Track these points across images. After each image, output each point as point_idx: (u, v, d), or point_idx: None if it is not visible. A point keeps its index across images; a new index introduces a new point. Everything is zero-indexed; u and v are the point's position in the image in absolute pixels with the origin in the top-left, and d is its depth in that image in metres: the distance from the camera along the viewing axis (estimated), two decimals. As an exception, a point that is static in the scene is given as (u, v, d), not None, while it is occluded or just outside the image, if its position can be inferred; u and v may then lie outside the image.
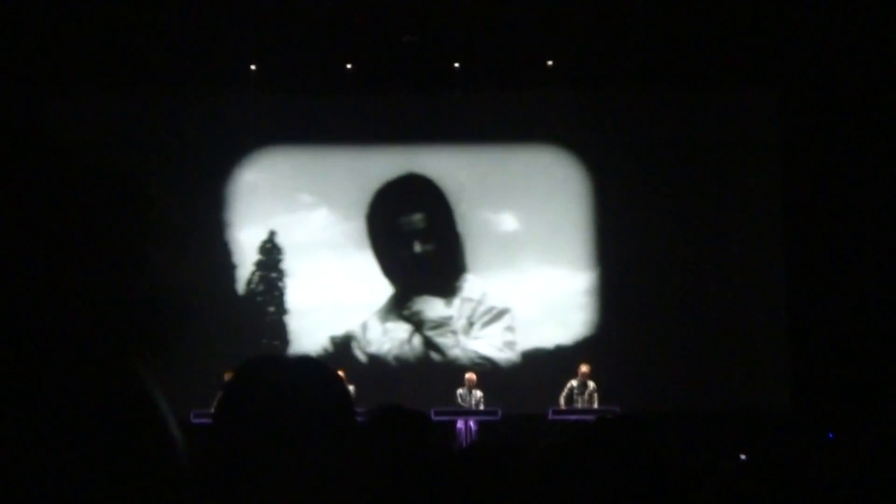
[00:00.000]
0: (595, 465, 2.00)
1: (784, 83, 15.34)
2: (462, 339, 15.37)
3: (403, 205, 15.63)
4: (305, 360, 1.60)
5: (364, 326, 15.41)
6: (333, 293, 15.33)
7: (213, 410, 1.61)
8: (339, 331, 15.38)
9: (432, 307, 15.47)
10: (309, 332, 15.33)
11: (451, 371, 14.46)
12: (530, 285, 15.38)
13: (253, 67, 15.13)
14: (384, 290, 15.52)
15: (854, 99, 14.83)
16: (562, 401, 13.46)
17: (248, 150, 15.63)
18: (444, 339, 15.40)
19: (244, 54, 14.97)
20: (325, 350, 15.26)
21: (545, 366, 14.96)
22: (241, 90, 15.30)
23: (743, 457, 11.52)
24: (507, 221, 15.61)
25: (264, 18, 14.35)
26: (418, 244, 15.57)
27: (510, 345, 15.41)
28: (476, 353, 15.38)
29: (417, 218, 15.62)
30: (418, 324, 15.41)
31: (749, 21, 14.52)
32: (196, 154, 15.41)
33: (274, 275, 15.48)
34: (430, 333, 15.38)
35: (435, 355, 15.39)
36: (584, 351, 14.82)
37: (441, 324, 15.40)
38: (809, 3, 14.09)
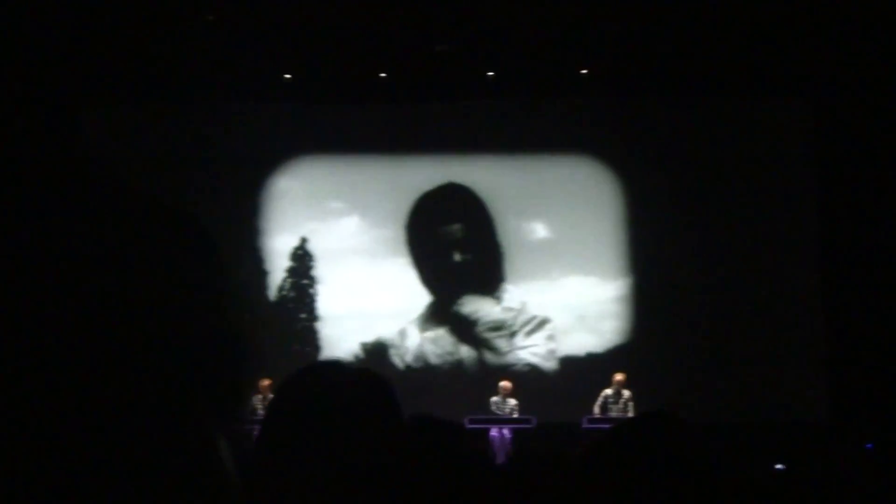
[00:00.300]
0: (636, 461, 1.99)
1: (818, 93, 15.23)
2: (515, 342, 15.38)
3: (443, 214, 15.65)
4: (358, 370, 1.66)
5: (402, 333, 15.43)
6: (364, 300, 15.37)
7: (262, 415, 1.68)
8: (370, 337, 15.40)
9: (487, 310, 15.46)
10: (340, 339, 15.39)
11: (489, 378, 14.42)
12: (563, 293, 15.36)
13: (287, 76, 15.22)
14: (416, 297, 15.53)
15: (889, 109, 14.70)
16: (596, 409, 13.40)
17: (282, 159, 15.74)
18: (500, 342, 15.40)
19: (278, 64, 15.07)
20: (357, 357, 15.30)
21: (579, 374, 14.93)
22: (276, 99, 15.41)
23: (780, 466, 11.45)
24: (540, 230, 15.59)
25: (298, 28, 14.44)
26: (458, 254, 15.59)
27: (552, 353, 15.38)
28: (521, 360, 15.37)
29: (456, 228, 15.64)
30: (472, 324, 15.37)
31: (783, 31, 14.43)
32: (231, 162, 15.52)
33: (305, 281, 15.55)
34: (487, 335, 15.36)
35: (490, 356, 15.34)
36: (618, 359, 14.76)
37: (498, 326, 15.39)
38: (844, 13, 13.98)
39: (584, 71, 15.22)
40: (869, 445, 13.67)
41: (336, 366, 1.69)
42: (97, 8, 13.78)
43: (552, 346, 15.36)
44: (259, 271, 15.50)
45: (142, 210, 1.12)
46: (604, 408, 13.39)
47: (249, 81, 15.04)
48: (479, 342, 15.44)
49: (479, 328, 15.44)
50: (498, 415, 13.54)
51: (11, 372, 0.96)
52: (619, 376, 13.59)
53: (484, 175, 15.65)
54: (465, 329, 15.46)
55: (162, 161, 15.52)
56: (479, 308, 15.51)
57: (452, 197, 15.64)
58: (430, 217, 15.62)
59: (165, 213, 1.18)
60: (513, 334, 15.46)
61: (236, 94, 15.28)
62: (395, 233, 15.60)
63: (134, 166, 15.47)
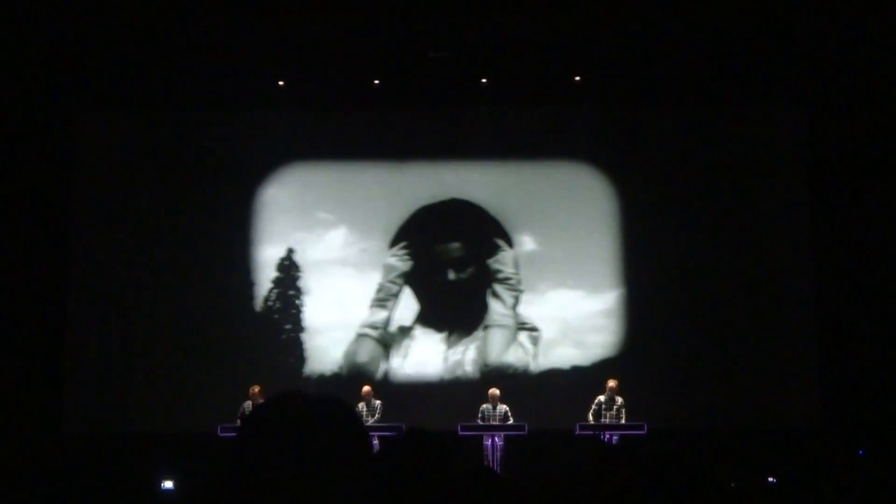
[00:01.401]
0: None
1: (813, 100, 15.26)
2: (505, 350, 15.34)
3: (442, 232, 15.59)
4: (326, 399, 1.67)
5: (390, 343, 15.37)
6: (351, 312, 15.34)
7: (234, 436, 1.69)
8: (356, 348, 15.33)
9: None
10: (325, 351, 15.32)
11: (480, 387, 14.39)
12: (549, 307, 15.33)
13: (281, 83, 15.22)
14: (403, 309, 15.45)
15: (883, 115, 14.74)
16: (590, 417, 13.40)
17: (272, 167, 15.69)
18: (512, 292, 15.33)
19: (272, 71, 15.07)
20: (341, 368, 15.26)
21: (569, 381, 14.92)
22: (269, 106, 15.40)
23: (771, 480, 11.46)
24: (528, 243, 15.55)
25: (292, 35, 14.44)
26: (452, 272, 15.55)
27: (538, 360, 15.34)
28: (511, 367, 15.32)
29: (455, 247, 15.59)
30: (490, 275, 15.32)
31: (777, 38, 14.47)
32: (222, 170, 15.49)
33: (291, 292, 15.49)
34: (498, 287, 15.32)
35: (478, 364, 15.27)
36: (612, 366, 14.74)
37: (509, 278, 15.36)
38: (837, 20, 14.02)
39: (578, 78, 15.23)
40: (861, 452, 13.69)
41: (298, 397, 1.69)
42: (89, 14, 13.79)
43: (540, 354, 15.31)
44: (245, 282, 15.44)
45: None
46: (597, 414, 13.39)
47: (243, 88, 15.04)
48: (493, 292, 15.36)
49: (496, 277, 15.37)
50: (489, 423, 13.52)
51: None
52: (612, 382, 13.58)
53: (477, 182, 15.62)
54: (453, 337, 15.41)
55: (153, 167, 15.52)
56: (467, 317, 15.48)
57: (455, 213, 15.57)
58: (428, 233, 15.55)
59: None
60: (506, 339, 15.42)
61: (229, 101, 15.27)
62: (382, 244, 15.52)
63: (124, 171, 15.47)
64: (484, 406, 13.62)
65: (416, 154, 15.70)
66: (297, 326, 15.41)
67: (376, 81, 15.26)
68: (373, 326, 15.38)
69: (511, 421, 13.48)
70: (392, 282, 15.41)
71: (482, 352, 15.31)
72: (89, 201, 15.44)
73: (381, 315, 15.39)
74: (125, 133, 15.55)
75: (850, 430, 14.19)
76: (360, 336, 15.34)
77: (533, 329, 15.35)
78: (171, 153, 15.53)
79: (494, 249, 15.43)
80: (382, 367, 15.31)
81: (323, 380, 15.08)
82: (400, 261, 15.45)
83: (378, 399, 13.79)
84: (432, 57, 14.87)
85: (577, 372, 15.08)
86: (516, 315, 15.37)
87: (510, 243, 15.46)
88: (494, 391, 13.74)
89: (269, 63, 14.85)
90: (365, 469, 1.60)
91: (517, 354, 15.30)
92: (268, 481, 1.54)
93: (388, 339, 15.38)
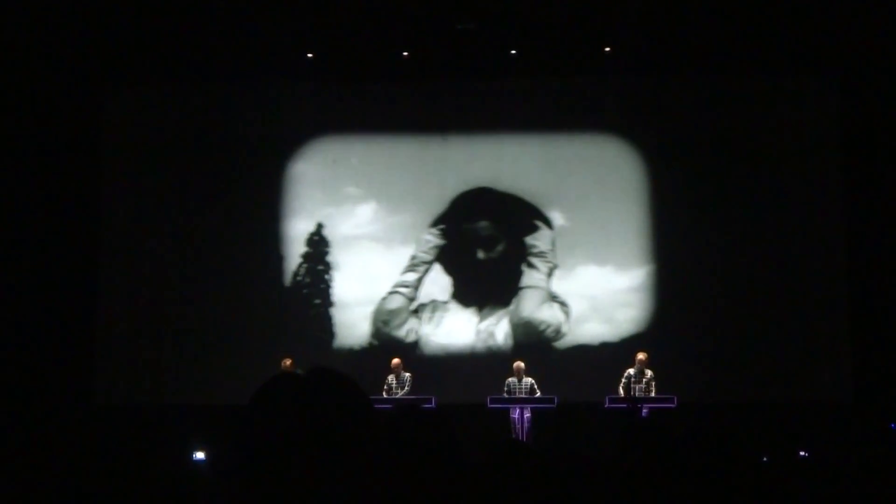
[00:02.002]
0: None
1: (845, 70, 15.06)
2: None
3: (472, 213, 15.56)
4: (320, 373, 1.67)
5: (418, 310, 15.39)
6: (379, 287, 15.36)
7: (243, 410, 1.71)
8: (387, 309, 15.36)
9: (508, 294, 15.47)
10: (354, 324, 15.36)
11: (509, 360, 14.38)
12: (581, 280, 15.29)
13: (310, 55, 15.20)
14: (431, 284, 15.45)
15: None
16: (620, 390, 13.37)
17: (301, 141, 15.70)
18: (547, 264, 15.34)
19: (301, 43, 15.05)
20: (371, 342, 15.30)
21: (598, 357, 14.89)
22: (298, 78, 15.38)
23: (803, 453, 11.40)
24: (559, 215, 15.48)
25: (320, 7, 14.40)
26: (482, 251, 15.53)
27: (563, 324, 15.30)
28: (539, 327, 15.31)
29: (484, 225, 15.56)
30: (526, 249, 15.33)
31: (808, 8, 14.28)
32: (251, 144, 15.52)
33: (320, 267, 15.53)
34: (533, 260, 15.32)
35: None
36: (641, 342, 14.70)
37: (544, 253, 15.37)
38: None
39: (608, 49, 15.11)
40: (893, 425, 13.60)
41: (298, 378, 1.70)
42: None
43: (567, 322, 15.27)
44: (275, 256, 15.49)
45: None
46: (627, 387, 13.37)
47: (271, 61, 15.02)
48: (528, 263, 15.38)
49: (502, 308, 15.38)
50: (515, 395, 13.53)
51: None
52: (641, 355, 13.55)
53: (504, 157, 15.56)
54: (485, 310, 15.40)
55: (182, 142, 15.57)
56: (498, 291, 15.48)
57: (483, 197, 15.54)
58: (459, 214, 15.53)
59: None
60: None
61: (258, 75, 15.27)
62: (411, 219, 15.52)
63: (153, 147, 15.53)
64: (510, 380, 13.62)
65: (445, 127, 15.65)
66: (327, 301, 15.46)
67: (405, 53, 15.21)
68: (404, 285, 15.42)
69: (538, 394, 13.48)
70: (426, 252, 15.45)
71: (515, 313, 15.30)
72: (119, 177, 15.52)
73: (412, 276, 15.43)
74: (153, 109, 15.59)
75: (881, 403, 14.09)
76: (391, 294, 15.39)
77: (564, 303, 15.32)
78: (200, 128, 15.57)
79: (533, 228, 15.41)
80: (411, 327, 15.32)
81: (353, 353, 15.14)
82: (434, 236, 15.46)
83: (407, 372, 13.83)
84: (460, 28, 14.79)
85: (606, 348, 15.04)
86: (549, 284, 15.35)
87: (549, 225, 15.42)
88: (519, 364, 13.74)
89: (297, 36, 14.83)
90: (369, 441, 1.61)
91: (552, 312, 15.26)
92: (274, 455, 1.57)
93: (418, 304, 15.40)
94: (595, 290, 15.27)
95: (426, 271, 15.41)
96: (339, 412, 1.60)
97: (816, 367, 14.88)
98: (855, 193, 14.97)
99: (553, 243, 15.37)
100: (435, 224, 15.50)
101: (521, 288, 15.33)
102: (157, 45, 14.87)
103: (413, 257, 15.45)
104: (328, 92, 15.60)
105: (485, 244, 15.53)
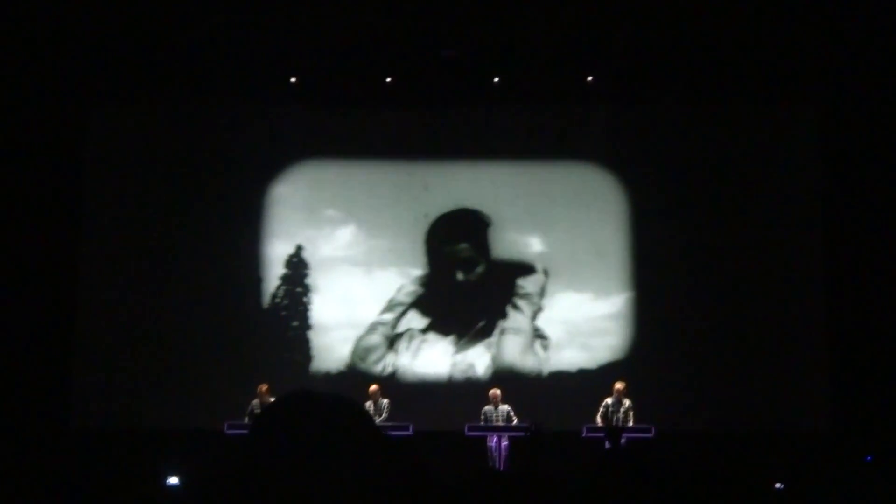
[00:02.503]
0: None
1: (824, 99, 15.19)
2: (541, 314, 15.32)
3: (452, 235, 15.57)
4: (338, 399, 1.67)
5: (394, 343, 15.35)
6: (358, 310, 15.32)
7: (246, 433, 1.69)
8: (363, 346, 15.31)
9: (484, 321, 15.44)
10: (332, 348, 15.31)
11: (486, 389, 14.34)
12: (559, 307, 15.29)
13: (293, 80, 15.22)
14: (413, 312, 15.42)
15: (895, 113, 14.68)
16: (598, 419, 13.36)
17: (283, 163, 15.69)
18: (532, 307, 15.31)
19: (284, 68, 15.07)
20: (347, 366, 15.24)
21: (575, 384, 14.87)
22: (281, 103, 15.40)
23: (779, 485, 11.41)
24: (538, 241, 15.50)
25: (304, 32, 14.44)
26: (461, 273, 15.53)
27: (544, 362, 15.30)
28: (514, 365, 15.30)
29: (463, 247, 15.56)
30: (515, 289, 15.31)
31: (788, 37, 14.42)
32: (234, 166, 15.50)
33: (299, 289, 15.48)
34: (519, 301, 15.30)
35: (485, 364, 15.24)
36: (618, 370, 14.70)
37: (531, 296, 15.33)
38: (848, 18, 13.96)
39: (590, 78, 15.20)
40: (868, 458, 13.63)
41: (310, 396, 1.68)
42: (101, 12, 13.81)
43: (546, 357, 15.27)
44: (253, 278, 15.44)
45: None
46: (605, 416, 13.36)
47: (254, 85, 15.04)
48: (513, 305, 15.35)
49: (482, 340, 15.36)
50: (492, 423, 13.50)
51: None
52: (619, 385, 13.56)
53: (485, 183, 15.58)
54: (463, 340, 15.38)
55: (163, 163, 15.53)
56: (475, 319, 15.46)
57: (463, 219, 15.55)
58: (439, 237, 15.54)
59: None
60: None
61: (241, 98, 15.27)
62: (391, 243, 15.51)
63: (135, 167, 15.49)
64: (486, 408, 13.59)
65: (427, 153, 15.67)
66: (304, 324, 15.41)
67: (388, 79, 15.25)
68: (381, 324, 15.38)
69: (515, 421, 13.45)
70: (405, 295, 15.42)
71: (496, 356, 15.27)
72: (100, 197, 15.46)
73: (389, 316, 15.40)
74: (136, 129, 15.56)
75: (858, 435, 14.13)
76: (368, 333, 15.34)
77: (544, 337, 15.32)
78: (182, 150, 15.54)
79: (529, 271, 15.42)
80: (388, 361, 15.28)
81: (329, 378, 15.07)
82: (413, 284, 15.46)
83: (385, 398, 13.78)
84: (444, 55, 14.85)
85: (583, 375, 15.04)
86: (533, 325, 15.34)
87: (546, 273, 15.43)
88: (495, 391, 13.72)
89: (280, 60, 14.86)
90: (376, 468, 1.60)
91: (534, 357, 15.27)
92: (279, 479, 1.54)
93: (395, 337, 15.35)
94: (573, 316, 15.28)
95: (403, 313, 15.41)
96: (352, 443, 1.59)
97: (794, 398, 14.91)
98: (835, 222, 15.06)
99: (542, 289, 15.38)
100: (416, 268, 15.48)
101: (505, 330, 15.31)
102: (143, 67, 14.87)
103: (391, 300, 15.42)
104: (311, 115, 15.61)
105: (464, 266, 15.52)
